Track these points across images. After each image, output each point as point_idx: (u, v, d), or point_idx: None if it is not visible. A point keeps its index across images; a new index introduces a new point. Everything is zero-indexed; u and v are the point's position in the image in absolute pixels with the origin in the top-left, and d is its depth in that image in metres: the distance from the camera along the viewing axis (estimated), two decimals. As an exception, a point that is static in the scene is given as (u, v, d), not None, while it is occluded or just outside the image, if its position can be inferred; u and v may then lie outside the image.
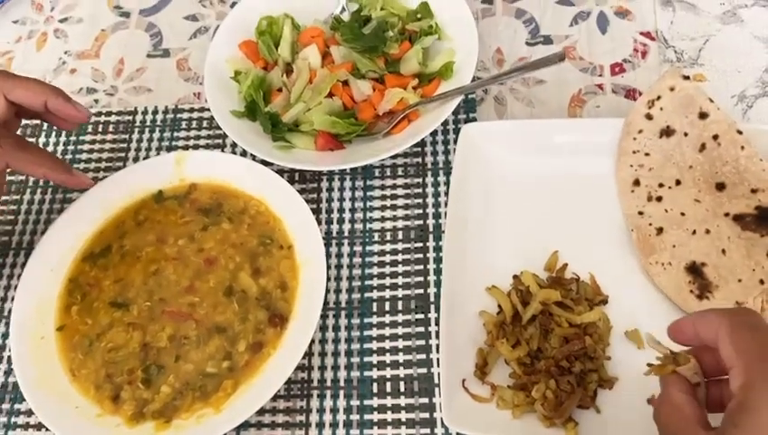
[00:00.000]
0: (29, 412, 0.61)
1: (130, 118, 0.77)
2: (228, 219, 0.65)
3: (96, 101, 0.79)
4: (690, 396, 0.43)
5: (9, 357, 0.63)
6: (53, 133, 0.77)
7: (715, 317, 0.42)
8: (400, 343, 0.60)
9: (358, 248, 0.65)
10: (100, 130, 0.76)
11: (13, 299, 0.64)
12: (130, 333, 0.61)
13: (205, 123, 0.75)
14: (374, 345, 0.61)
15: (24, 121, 0.72)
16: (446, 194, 0.66)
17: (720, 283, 0.57)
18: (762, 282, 0.55)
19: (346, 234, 0.66)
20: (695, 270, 0.58)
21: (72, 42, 0.84)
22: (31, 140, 0.77)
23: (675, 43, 0.72)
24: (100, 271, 0.65)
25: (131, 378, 0.59)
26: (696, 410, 0.42)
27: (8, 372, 0.64)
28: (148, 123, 0.76)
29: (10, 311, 0.63)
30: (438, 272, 0.63)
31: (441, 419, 0.56)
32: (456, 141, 0.65)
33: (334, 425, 0.58)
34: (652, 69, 0.71)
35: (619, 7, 0.75)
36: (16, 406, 0.62)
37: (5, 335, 0.66)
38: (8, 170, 0.61)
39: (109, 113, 0.78)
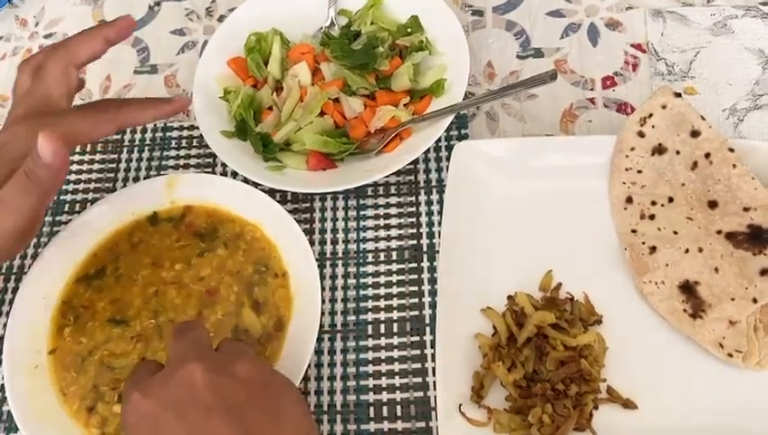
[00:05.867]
0: (24, 442, 0.61)
1: (119, 137, 0.76)
2: (224, 244, 0.65)
3: (84, 119, 0.78)
4: None
5: (2, 386, 0.63)
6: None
7: None
8: (396, 367, 0.60)
9: (352, 269, 0.65)
10: (88, 149, 0.76)
11: (5, 326, 0.63)
12: (133, 345, 0.61)
13: (195, 142, 0.74)
14: (370, 369, 0.61)
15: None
16: (440, 212, 0.66)
17: (713, 301, 0.57)
18: (755, 300, 0.56)
19: (340, 255, 0.66)
20: (688, 289, 0.58)
21: (58, 58, 0.83)
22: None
23: (666, 55, 0.72)
24: (95, 293, 0.64)
25: (114, 391, 0.59)
26: None
27: (2, 401, 0.63)
28: (137, 142, 0.75)
29: (1, 338, 0.63)
30: (433, 293, 0.63)
31: (438, 443, 0.56)
32: (448, 158, 0.65)
33: (332, 450, 0.58)
34: (643, 82, 0.70)
35: (610, 18, 0.75)
36: (11, 435, 0.62)
37: (-2, 363, 0.65)
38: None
39: (97, 132, 0.77)
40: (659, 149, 0.62)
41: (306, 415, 0.46)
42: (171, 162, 0.74)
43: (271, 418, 0.43)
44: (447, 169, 0.64)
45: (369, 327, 0.62)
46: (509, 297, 0.60)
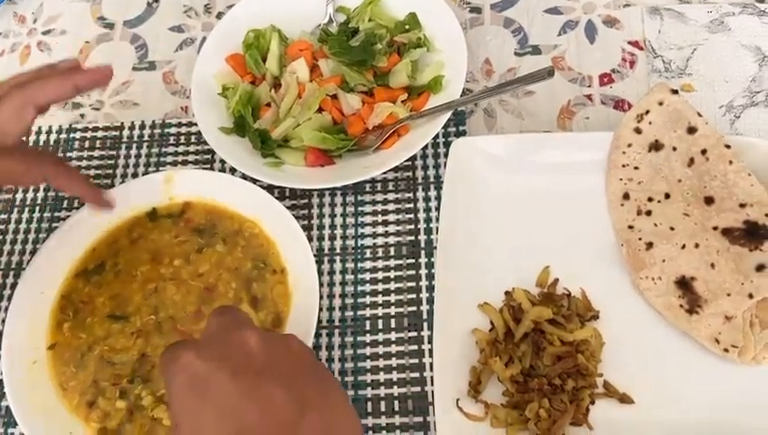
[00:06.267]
0: (22, 436, 0.61)
1: (117, 133, 0.76)
2: (222, 241, 0.65)
3: (82, 115, 0.78)
4: None
5: (1, 380, 0.63)
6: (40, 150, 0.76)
7: None
8: (394, 362, 0.61)
9: (350, 265, 0.65)
10: (87, 146, 0.76)
11: (3, 321, 0.63)
12: (133, 340, 0.61)
13: (193, 138, 0.74)
14: (368, 364, 0.61)
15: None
16: (437, 209, 0.66)
17: (709, 297, 0.57)
18: (751, 296, 0.56)
19: (338, 251, 0.66)
20: (684, 284, 0.58)
21: (56, 54, 0.83)
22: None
23: (663, 52, 0.72)
24: (94, 288, 0.65)
25: (115, 386, 0.60)
26: None
27: (1, 396, 0.63)
28: (135, 139, 0.75)
29: (0, 333, 0.63)
30: (431, 289, 0.63)
31: (436, 437, 0.56)
32: (446, 154, 0.65)
33: (330, 445, 0.58)
34: (640, 79, 0.71)
35: (608, 16, 0.75)
36: (10, 430, 0.62)
37: (-4, 358, 0.65)
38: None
39: (95, 129, 0.77)
40: (656, 146, 0.62)
41: (350, 402, 0.45)
42: (170, 159, 0.74)
43: (321, 389, 0.43)
44: (445, 166, 0.64)
45: (367, 323, 0.63)
46: (506, 293, 0.60)
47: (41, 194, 0.74)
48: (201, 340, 0.45)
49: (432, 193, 0.68)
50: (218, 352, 0.42)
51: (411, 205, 0.68)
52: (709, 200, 0.60)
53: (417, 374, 0.60)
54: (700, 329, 0.56)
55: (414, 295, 0.63)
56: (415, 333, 0.62)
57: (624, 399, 0.55)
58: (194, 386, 0.41)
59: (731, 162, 0.59)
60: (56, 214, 0.72)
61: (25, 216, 0.73)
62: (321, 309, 0.62)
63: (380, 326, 0.62)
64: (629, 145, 0.63)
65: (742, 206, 0.59)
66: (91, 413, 0.59)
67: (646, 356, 0.57)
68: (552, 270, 0.61)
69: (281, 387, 0.41)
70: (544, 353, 0.56)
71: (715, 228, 0.59)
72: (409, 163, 0.69)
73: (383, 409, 0.59)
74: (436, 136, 0.68)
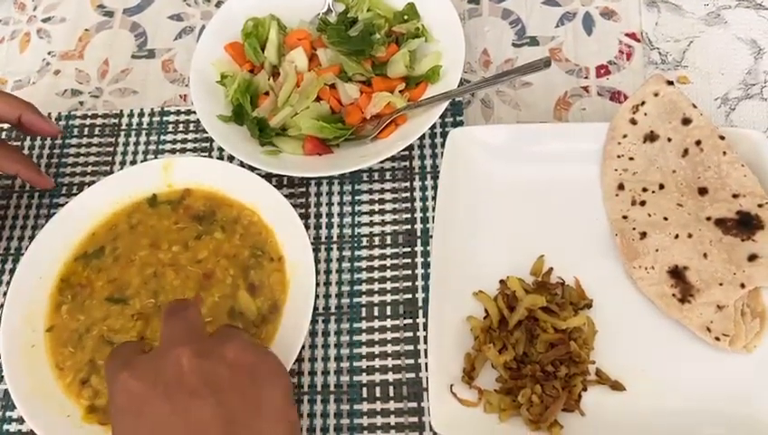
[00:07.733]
0: (21, 420, 0.62)
1: (116, 121, 0.76)
2: (221, 228, 0.65)
3: (81, 103, 0.79)
4: None
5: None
6: (38, 137, 0.77)
7: None
8: (389, 348, 0.61)
9: (347, 253, 0.66)
10: (86, 133, 0.76)
11: (1, 306, 0.64)
12: (133, 322, 0.62)
13: (192, 126, 0.75)
14: (363, 350, 0.61)
15: (7, 125, 0.74)
16: (434, 198, 0.66)
17: (702, 286, 0.58)
18: (742, 286, 0.57)
19: (335, 239, 0.67)
20: (677, 274, 0.59)
21: (56, 42, 0.83)
22: (15, 144, 0.76)
23: (659, 44, 0.72)
24: (93, 272, 0.65)
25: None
26: None
27: (-1, 379, 0.64)
28: (134, 126, 0.76)
29: (-1, 317, 0.63)
30: (426, 277, 0.63)
31: (430, 423, 0.57)
32: (443, 144, 0.66)
33: (324, 429, 0.59)
34: (637, 71, 0.71)
35: (605, 8, 0.76)
36: (8, 413, 0.63)
37: (-5, 342, 0.66)
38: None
39: (94, 116, 0.77)
40: (651, 137, 0.63)
41: (288, 405, 0.47)
42: (168, 146, 0.74)
43: (252, 402, 0.45)
44: (442, 156, 0.64)
45: (363, 310, 0.63)
46: (501, 281, 0.61)
47: (40, 180, 0.74)
48: (140, 358, 0.47)
49: (429, 182, 0.68)
50: (152, 372, 0.45)
51: (408, 194, 0.68)
52: (703, 191, 0.61)
53: (412, 360, 0.61)
54: (692, 318, 0.57)
55: (410, 283, 0.64)
56: (410, 320, 0.62)
57: (616, 386, 0.56)
58: (130, 405, 0.44)
59: (725, 153, 0.60)
60: (55, 200, 0.73)
61: (24, 201, 0.73)
62: (317, 296, 0.63)
63: (376, 313, 0.63)
64: (625, 136, 0.63)
65: (735, 196, 0.59)
66: (82, 391, 0.59)
67: (638, 344, 0.58)
68: (547, 259, 0.62)
69: (211, 407, 0.43)
70: (538, 341, 0.57)
71: (709, 219, 0.60)
72: (406, 153, 0.70)
73: (378, 394, 0.60)
74: (434, 126, 0.69)
